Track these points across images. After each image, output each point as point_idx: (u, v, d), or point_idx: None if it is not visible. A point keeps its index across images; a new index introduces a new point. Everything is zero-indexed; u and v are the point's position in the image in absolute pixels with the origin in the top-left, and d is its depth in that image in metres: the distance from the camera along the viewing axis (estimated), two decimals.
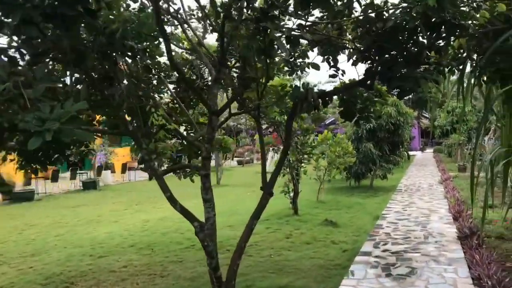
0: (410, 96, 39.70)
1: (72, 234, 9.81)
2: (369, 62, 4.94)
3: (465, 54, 5.45)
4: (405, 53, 4.59)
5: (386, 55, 4.64)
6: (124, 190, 18.68)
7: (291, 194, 10.90)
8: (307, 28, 4.79)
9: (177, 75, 7.26)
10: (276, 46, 3.13)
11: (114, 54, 4.64)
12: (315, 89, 5.30)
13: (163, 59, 6.95)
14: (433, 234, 8.25)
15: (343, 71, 5.48)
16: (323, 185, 13.06)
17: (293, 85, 5.41)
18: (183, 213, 4.42)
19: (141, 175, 21.45)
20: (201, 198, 4.75)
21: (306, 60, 6.23)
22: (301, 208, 11.25)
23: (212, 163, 26.75)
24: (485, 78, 5.85)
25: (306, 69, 5.36)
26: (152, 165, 4.23)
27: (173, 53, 6.93)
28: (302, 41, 6.33)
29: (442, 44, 5.05)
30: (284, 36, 3.03)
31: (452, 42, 5.39)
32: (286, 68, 6.40)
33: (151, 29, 4.34)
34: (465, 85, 5.92)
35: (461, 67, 5.65)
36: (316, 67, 5.83)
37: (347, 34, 5.31)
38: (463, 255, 6.70)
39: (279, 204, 11.74)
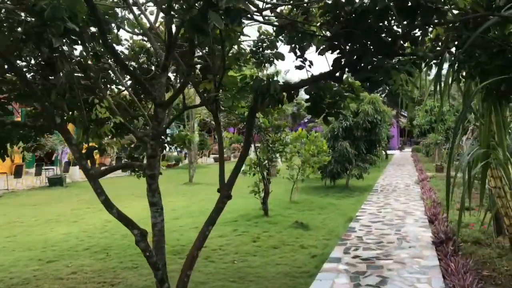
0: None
1: (25, 235, 9.13)
2: (338, 51, 4.44)
3: (443, 46, 5.01)
4: (377, 41, 4.11)
5: (356, 44, 4.14)
6: (91, 187, 17.89)
7: (262, 194, 10.37)
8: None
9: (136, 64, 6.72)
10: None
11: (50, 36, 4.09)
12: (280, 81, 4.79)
13: (120, 48, 6.41)
14: (407, 239, 7.83)
15: (311, 62, 4.99)
16: (297, 185, 12.58)
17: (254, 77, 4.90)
18: (120, 219, 3.86)
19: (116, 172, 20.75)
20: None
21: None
22: (272, 208, 10.76)
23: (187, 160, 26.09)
24: (464, 74, 5.42)
25: (286, 67, 4.84)
26: (84, 164, 3.66)
27: (131, 40, 6.38)
28: (269, 29, 5.85)
29: (418, 33, 4.61)
30: (222, 7, 2.52)
31: (429, 34, 4.96)
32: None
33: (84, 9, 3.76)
34: (443, 81, 5.48)
35: (438, 60, 5.20)
36: (280, 56, 5.35)
37: (317, 20, 4.82)
38: (438, 262, 6.27)
39: (250, 204, 11.26)
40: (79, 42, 4.54)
